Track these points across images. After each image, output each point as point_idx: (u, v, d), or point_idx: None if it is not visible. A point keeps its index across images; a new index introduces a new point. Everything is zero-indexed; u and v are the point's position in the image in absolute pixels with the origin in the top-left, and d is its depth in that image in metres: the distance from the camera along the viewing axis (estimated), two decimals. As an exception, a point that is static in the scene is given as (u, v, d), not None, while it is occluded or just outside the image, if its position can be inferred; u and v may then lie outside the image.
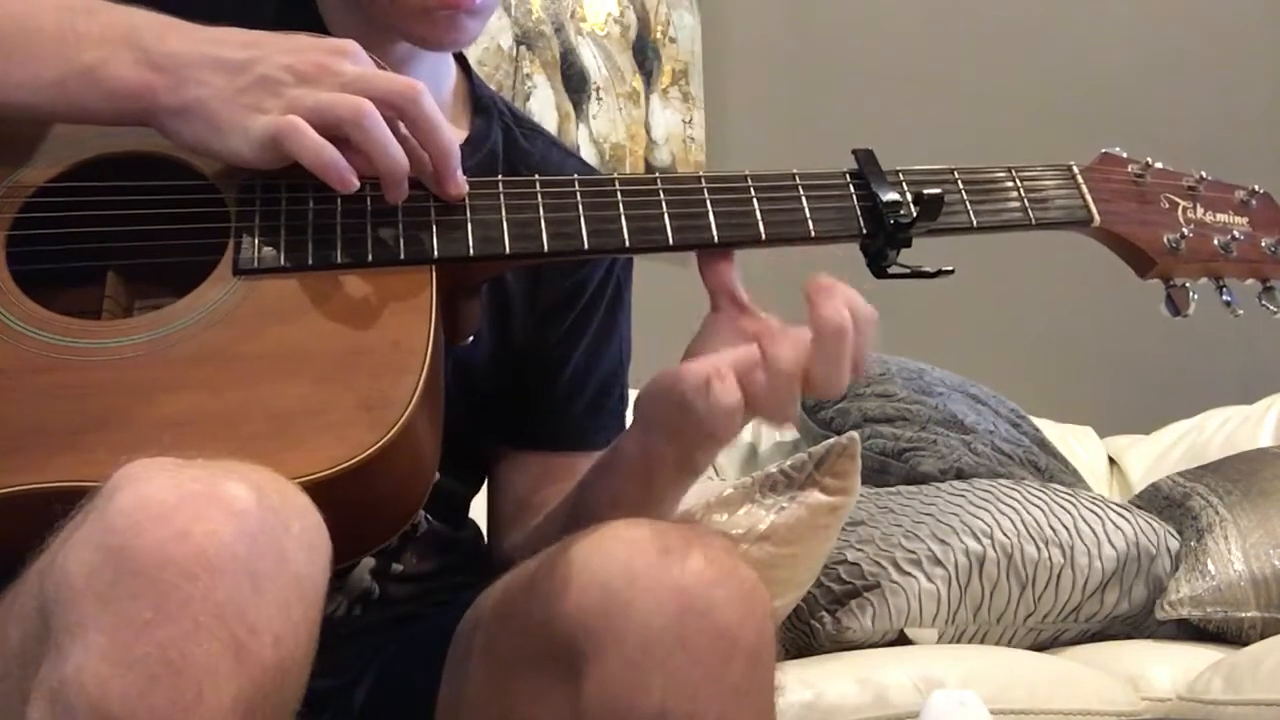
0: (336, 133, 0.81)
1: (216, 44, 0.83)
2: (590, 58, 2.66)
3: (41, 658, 0.65)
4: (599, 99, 2.65)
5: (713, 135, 2.76)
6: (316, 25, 1.01)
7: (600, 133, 2.64)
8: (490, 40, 2.54)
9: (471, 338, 0.93)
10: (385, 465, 0.77)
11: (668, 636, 0.77)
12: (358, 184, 0.82)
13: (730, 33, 2.82)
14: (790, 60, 2.88)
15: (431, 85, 1.05)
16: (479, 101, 1.10)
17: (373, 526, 0.84)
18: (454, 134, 0.87)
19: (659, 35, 2.74)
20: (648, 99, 2.71)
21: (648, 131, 2.70)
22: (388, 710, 0.99)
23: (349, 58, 0.84)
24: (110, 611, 0.62)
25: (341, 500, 0.74)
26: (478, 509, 1.14)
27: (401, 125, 0.84)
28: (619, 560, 0.80)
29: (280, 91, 0.81)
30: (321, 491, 0.72)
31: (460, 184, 0.87)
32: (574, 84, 2.63)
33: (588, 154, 2.58)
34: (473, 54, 2.51)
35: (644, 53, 2.72)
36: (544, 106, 2.56)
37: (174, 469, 0.67)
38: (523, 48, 2.59)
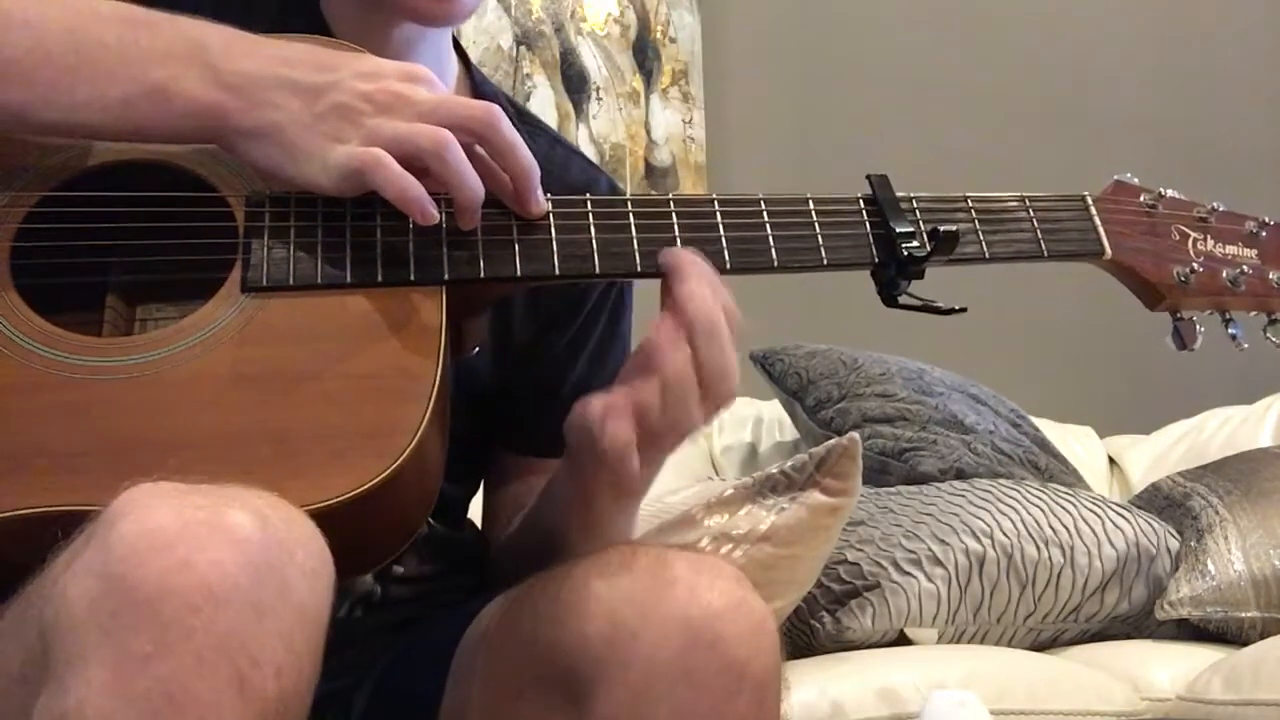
0: (416, 163, 0.81)
1: (288, 64, 0.82)
2: (590, 58, 2.66)
3: (42, 680, 0.64)
4: (599, 99, 2.65)
5: (713, 135, 2.76)
6: (314, 12, 1.00)
7: (600, 133, 2.64)
8: (490, 40, 2.54)
9: (477, 349, 0.92)
10: (392, 492, 0.77)
11: (674, 669, 0.77)
12: (438, 217, 0.82)
13: (730, 33, 2.82)
14: (790, 60, 2.87)
15: (436, 74, 1.05)
16: (480, 95, 1.09)
17: (378, 547, 0.83)
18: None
19: (659, 35, 2.74)
20: (648, 99, 2.71)
21: (648, 131, 2.70)
22: (387, 717, 0.99)
23: (424, 84, 0.83)
24: (112, 644, 0.62)
25: (348, 525, 0.73)
26: (473, 510, 1.14)
27: (478, 148, 0.84)
28: (626, 589, 0.80)
29: (359, 121, 0.81)
30: (328, 518, 0.71)
31: (541, 202, 0.86)
32: (574, 84, 2.63)
33: (587, 154, 2.57)
34: (473, 54, 2.52)
35: (644, 53, 2.72)
36: (544, 106, 2.56)
37: (177, 496, 0.66)
38: (523, 48, 2.59)
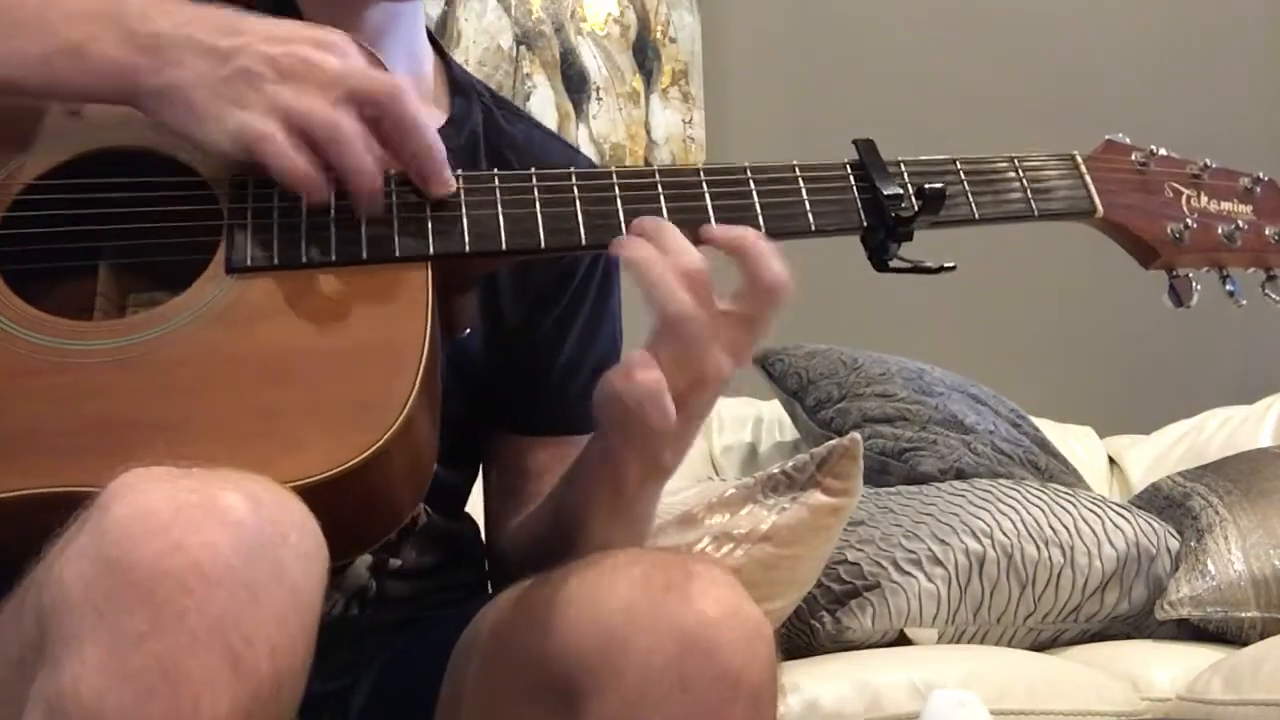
0: (308, 138, 0.81)
1: (201, 26, 0.82)
2: (590, 58, 2.66)
3: (39, 667, 0.64)
4: (599, 99, 2.65)
5: (713, 135, 2.76)
6: (292, 6, 1.00)
7: (600, 133, 2.64)
8: (490, 40, 2.55)
9: (468, 330, 0.92)
10: (382, 466, 0.77)
11: (668, 677, 0.76)
12: (328, 197, 0.82)
13: (730, 33, 2.82)
14: (790, 60, 2.88)
15: (409, 62, 1.04)
16: (457, 84, 1.09)
17: (369, 526, 0.83)
18: (436, 118, 0.86)
19: (659, 35, 2.74)
20: (648, 99, 2.71)
21: (648, 131, 2.70)
22: (385, 718, 0.99)
23: (334, 51, 0.83)
24: (106, 624, 0.62)
25: (338, 502, 0.73)
26: (474, 506, 1.14)
27: (385, 124, 0.83)
28: (619, 596, 0.79)
29: (259, 86, 0.81)
30: (317, 494, 0.71)
31: (445, 183, 0.86)
32: (574, 84, 2.63)
33: (588, 154, 2.58)
34: (473, 54, 2.52)
35: (644, 53, 2.72)
36: (544, 106, 2.56)
37: (170, 479, 0.66)
38: (523, 48, 2.59)
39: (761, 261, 0.83)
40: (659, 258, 0.82)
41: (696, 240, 0.85)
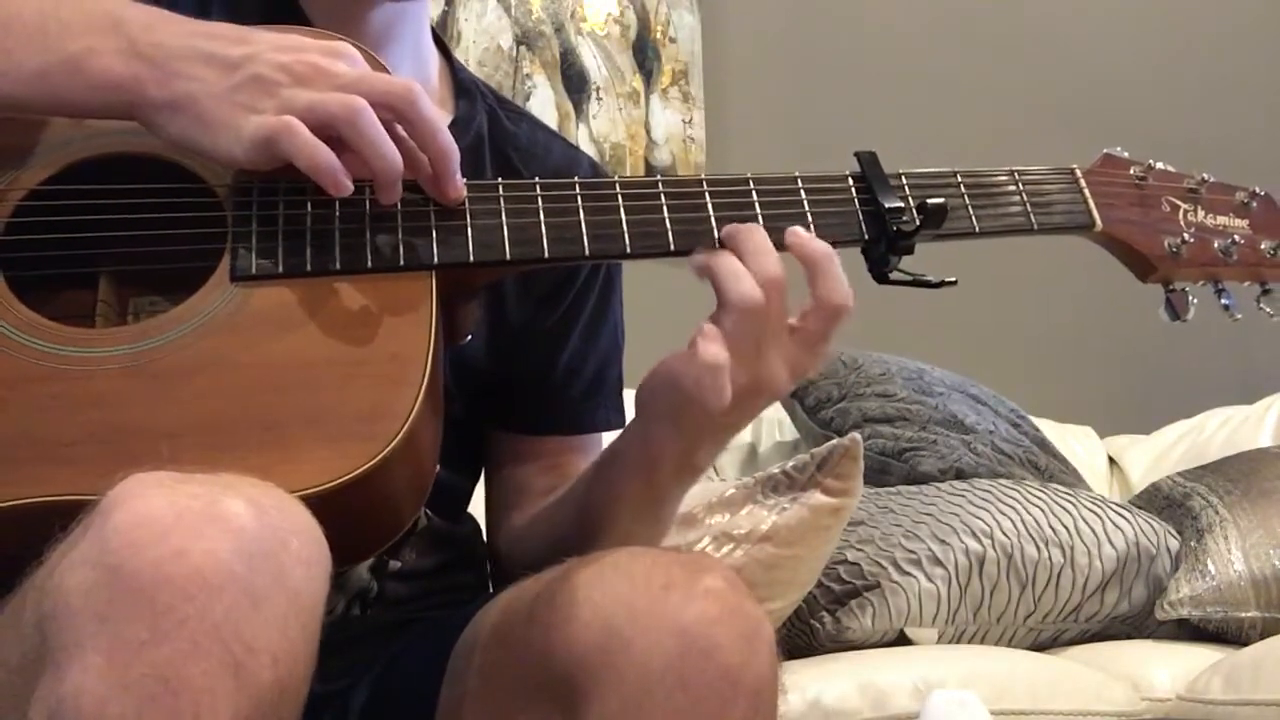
0: (330, 132, 0.80)
1: (207, 38, 0.81)
2: (590, 58, 2.66)
3: (40, 673, 0.64)
4: (599, 99, 2.65)
5: (713, 135, 2.76)
6: (295, 8, 1.00)
7: (600, 133, 2.64)
8: (490, 40, 2.54)
9: (470, 336, 0.92)
10: (384, 477, 0.77)
11: (668, 677, 0.76)
12: (351, 187, 0.81)
13: (730, 33, 2.82)
14: (790, 60, 2.88)
15: (415, 64, 1.04)
16: (461, 85, 1.09)
17: (371, 534, 0.83)
18: (442, 119, 0.85)
19: (659, 35, 2.74)
20: (648, 99, 2.71)
21: (648, 131, 2.70)
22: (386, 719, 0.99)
23: (344, 59, 0.82)
24: (107, 632, 0.62)
25: (339, 511, 0.73)
26: (476, 506, 1.14)
27: (399, 127, 0.83)
28: (620, 595, 0.79)
29: (274, 91, 0.80)
30: (319, 504, 0.71)
31: (459, 187, 0.85)
32: (574, 84, 2.63)
33: (588, 154, 2.57)
34: (473, 54, 2.52)
35: (644, 53, 2.72)
36: (544, 106, 2.56)
37: (171, 485, 0.66)
38: (523, 48, 2.59)
39: (834, 281, 0.86)
40: (733, 257, 0.85)
41: (780, 244, 0.87)
